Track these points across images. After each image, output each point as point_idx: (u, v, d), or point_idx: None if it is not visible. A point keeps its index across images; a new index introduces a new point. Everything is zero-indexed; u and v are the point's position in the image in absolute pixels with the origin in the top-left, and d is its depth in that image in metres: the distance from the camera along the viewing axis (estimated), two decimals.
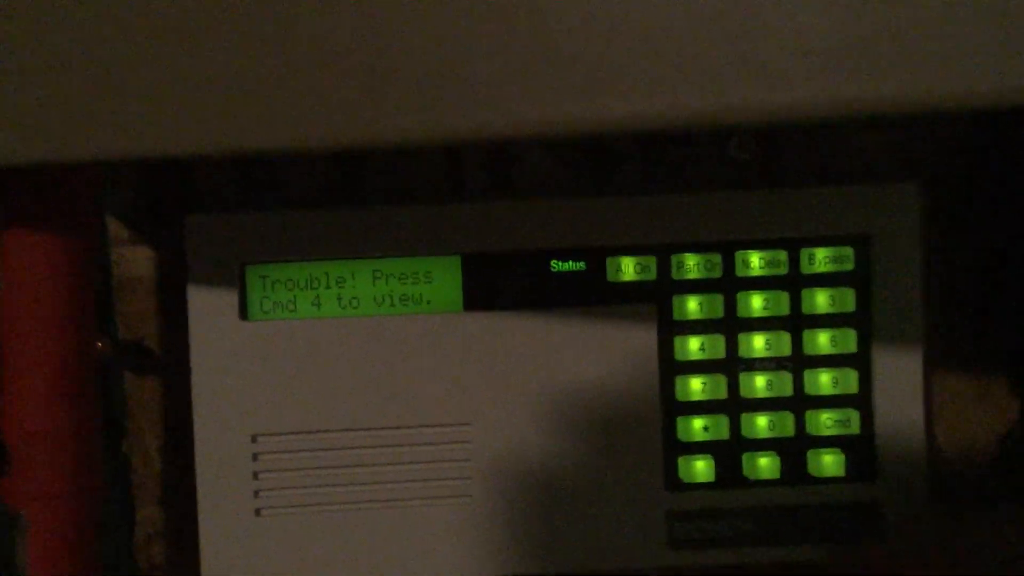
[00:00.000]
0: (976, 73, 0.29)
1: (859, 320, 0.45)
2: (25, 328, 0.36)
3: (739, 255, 0.45)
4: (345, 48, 0.30)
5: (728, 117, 0.30)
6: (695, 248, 0.45)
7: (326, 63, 0.30)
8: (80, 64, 0.30)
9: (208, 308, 0.44)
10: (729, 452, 0.46)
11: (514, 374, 0.45)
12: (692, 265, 0.45)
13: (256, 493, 0.45)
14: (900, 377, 0.45)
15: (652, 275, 0.45)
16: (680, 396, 0.45)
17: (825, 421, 0.45)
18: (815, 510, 0.45)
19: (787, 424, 0.45)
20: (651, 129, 0.30)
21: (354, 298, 0.45)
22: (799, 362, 0.46)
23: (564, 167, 0.47)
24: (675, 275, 0.45)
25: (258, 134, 0.30)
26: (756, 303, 0.45)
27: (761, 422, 0.45)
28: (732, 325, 0.45)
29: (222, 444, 0.44)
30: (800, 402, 0.46)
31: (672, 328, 0.45)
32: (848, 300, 0.45)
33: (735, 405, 0.46)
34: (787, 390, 0.45)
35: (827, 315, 0.45)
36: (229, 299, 0.44)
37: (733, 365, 0.45)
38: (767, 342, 0.45)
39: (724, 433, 0.45)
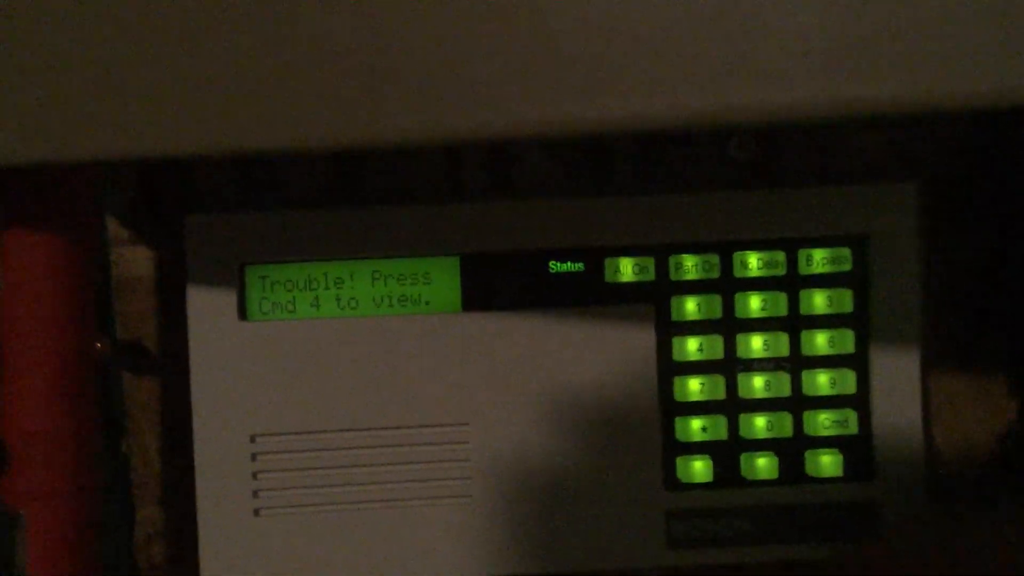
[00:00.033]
0: (976, 73, 0.29)
1: (857, 321, 0.45)
2: (25, 328, 0.36)
3: (737, 256, 0.45)
4: (345, 48, 0.30)
5: (728, 117, 0.30)
6: (693, 249, 0.45)
7: (326, 63, 0.30)
8: (80, 64, 0.30)
9: (207, 308, 0.44)
10: (727, 452, 0.46)
11: (513, 374, 0.45)
12: (690, 266, 0.45)
13: (255, 493, 0.45)
14: (898, 377, 0.45)
15: (650, 276, 0.45)
16: (678, 396, 0.45)
17: (823, 421, 0.45)
18: (813, 510, 0.45)
19: (785, 424, 0.45)
20: (651, 129, 0.30)
21: (353, 299, 0.45)
22: (797, 363, 0.46)
23: (563, 167, 0.47)
24: (673, 276, 0.45)
25: (258, 134, 0.30)
26: (754, 304, 0.45)
27: (759, 422, 0.45)
28: (730, 326, 0.45)
29: (221, 444, 0.44)
30: (798, 402, 0.46)
31: (670, 329, 0.45)
32: (846, 301, 0.45)
33: (733, 405, 0.46)
34: (785, 390, 0.45)
35: (825, 316, 0.45)
36: (228, 299, 0.44)
37: (731, 366, 0.46)
38: (765, 343, 0.45)
39: (722, 433, 0.46)
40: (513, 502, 0.45)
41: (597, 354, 0.45)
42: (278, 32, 0.30)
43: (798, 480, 0.46)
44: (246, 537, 0.45)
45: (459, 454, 0.45)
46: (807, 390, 0.46)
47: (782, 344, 0.45)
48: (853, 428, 0.46)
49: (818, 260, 0.45)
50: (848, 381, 0.45)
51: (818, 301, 0.45)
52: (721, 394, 0.45)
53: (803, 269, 0.45)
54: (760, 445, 0.46)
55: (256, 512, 0.45)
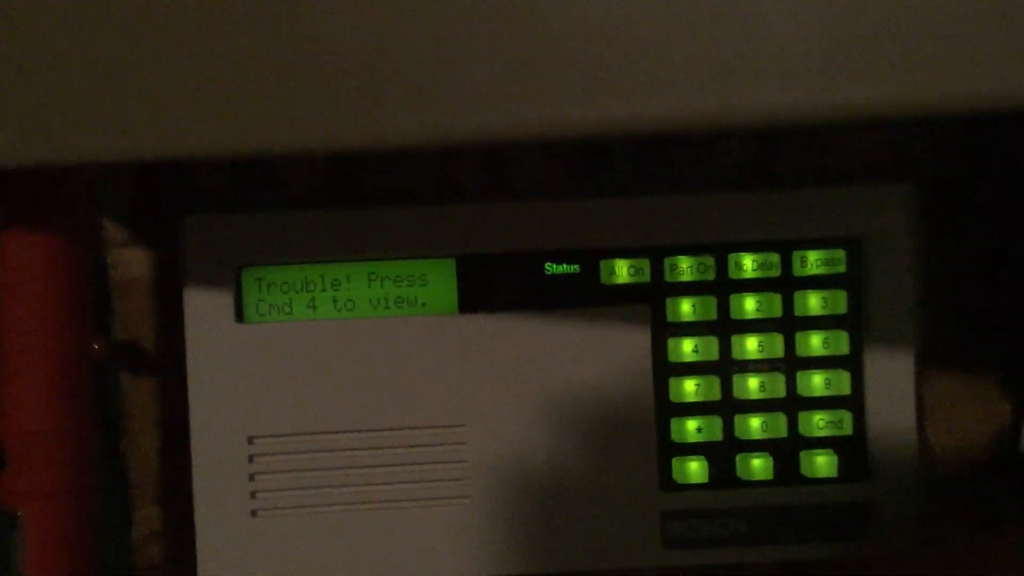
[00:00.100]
0: (976, 76, 0.29)
1: (851, 322, 0.46)
2: (23, 328, 0.36)
3: (732, 257, 0.45)
4: (343, 49, 0.30)
5: (728, 120, 0.30)
6: (688, 250, 0.45)
7: (325, 65, 0.30)
8: (79, 66, 0.30)
9: (204, 310, 0.44)
10: (723, 453, 0.46)
11: (509, 376, 0.45)
12: (685, 267, 0.45)
13: (252, 494, 0.45)
14: (892, 378, 0.45)
15: (646, 277, 0.45)
16: (674, 397, 0.45)
17: (818, 422, 0.46)
18: (808, 510, 0.46)
19: (780, 425, 0.46)
20: (649, 132, 0.30)
21: (349, 300, 0.45)
22: (792, 364, 0.46)
23: (558, 168, 0.48)
24: (668, 277, 0.45)
25: (256, 136, 0.30)
26: (749, 305, 0.45)
27: (754, 423, 0.46)
28: (725, 327, 0.46)
29: (218, 446, 0.44)
30: (793, 403, 0.46)
31: (666, 330, 0.45)
32: (840, 302, 0.45)
33: (728, 406, 0.46)
34: (780, 391, 0.46)
35: (819, 317, 0.46)
36: (225, 301, 0.44)
37: (726, 367, 0.46)
38: (760, 344, 0.45)
39: (718, 434, 0.46)
40: (510, 503, 0.45)
41: (593, 355, 0.45)
42: (277, 34, 0.30)
43: (793, 481, 0.46)
44: (243, 538, 0.45)
45: (456, 455, 0.45)
46: (802, 391, 0.46)
47: (777, 345, 0.45)
48: (848, 429, 0.46)
49: (813, 262, 0.45)
50: (843, 382, 0.45)
51: (813, 302, 0.45)
52: (716, 395, 0.46)
53: (798, 271, 0.45)
54: (755, 446, 0.46)
55: (253, 513, 0.45)
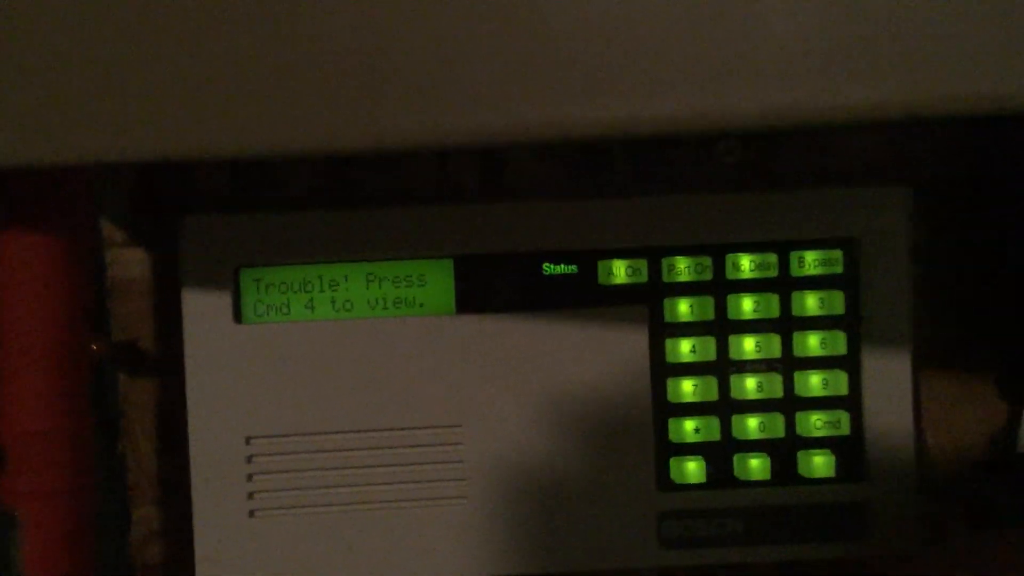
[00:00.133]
0: (975, 77, 0.29)
1: (848, 322, 0.46)
2: (22, 328, 0.36)
3: (729, 258, 0.45)
4: (342, 51, 0.30)
5: (728, 120, 0.30)
6: (686, 251, 0.45)
7: (324, 66, 0.30)
8: (78, 66, 0.30)
9: (202, 311, 0.44)
10: (720, 453, 0.46)
11: (507, 376, 0.45)
12: (683, 268, 0.45)
13: (250, 495, 0.45)
14: (889, 379, 0.46)
15: (643, 278, 0.45)
16: (671, 398, 0.46)
17: (815, 422, 0.46)
18: (805, 510, 0.46)
19: (777, 425, 0.46)
20: (649, 132, 0.30)
21: (347, 301, 0.45)
22: (789, 364, 0.46)
23: (556, 169, 0.48)
24: (666, 278, 0.45)
25: (256, 138, 0.31)
26: (746, 305, 0.45)
27: (752, 423, 0.46)
28: (723, 327, 0.46)
29: (216, 446, 0.44)
30: (790, 403, 0.46)
31: (663, 330, 0.46)
32: (837, 303, 0.45)
33: (726, 406, 0.46)
34: (777, 392, 0.46)
35: (817, 317, 0.46)
36: (223, 302, 0.44)
37: (724, 367, 0.46)
38: (757, 344, 0.46)
39: (715, 434, 0.46)
40: (507, 503, 0.45)
41: (590, 356, 0.45)
42: (276, 35, 0.30)
43: (790, 481, 0.46)
44: (241, 538, 0.45)
45: (453, 455, 0.45)
46: (799, 391, 0.46)
47: (774, 345, 0.46)
48: (845, 429, 0.46)
49: (810, 262, 0.45)
50: (840, 382, 0.46)
51: (810, 303, 0.45)
52: (714, 395, 0.46)
53: (795, 271, 0.45)
54: (753, 446, 0.46)
55: (251, 514, 0.45)
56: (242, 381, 0.44)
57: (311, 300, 0.45)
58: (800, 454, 0.46)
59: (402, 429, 0.45)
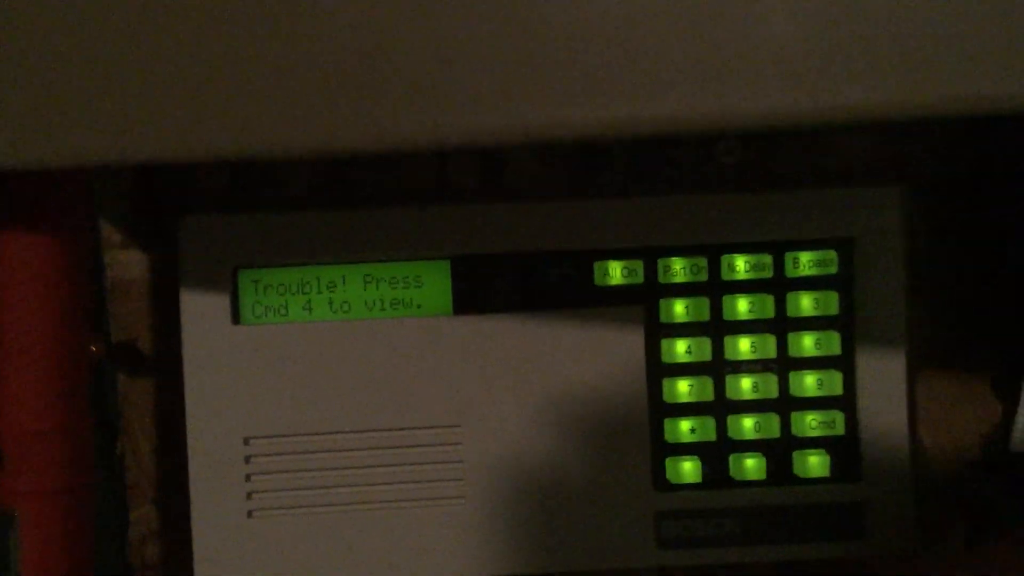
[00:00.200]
0: (975, 77, 0.29)
1: (843, 323, 0.46)
2: (20, 328, 0.36)
3: (725, 259, 0.46)
4: (342, 51, 0.30)
5: (727, 120, 0.30)
6: (681, 252, 0.45)
7: (323, 67, 0.30)
8: (79, 67, 0.30)
9: (200, 312, 0.45)
10: (716, 453, 0.46)
11: (504, 377, 0.45)
12: (678, 269, 0.45)
13: (248, 495, 0.45)
14: (884, 379, 0.46)
15: (639, 278, 0.45)
16: (667, 398, 0.46)
17: (810, 422, 0.46)
18: (800, 510, 0.46)
19: (773, 425, 0.46)
20: (649, 132, 0.30)
21: (345, 302, 0.45)
22: (784, 364, 0.46)
23: (556, 169, 0.48)
24: (662, 279, 0.46)
25: (255, 138, 0.31)
26: (742, 306, 0.46)
27: (747, 423, 0.46)
28: (718, 328, 0.46)
29: (215, 447, 0.45)
30: (785, 404, 0.46)
31: (659, 331, 0.46)
32: (832, 303, 0.46)
33: (721, 407, 0.46)
34: (772, 392, 0.46)
35: (811, 318, 0.46)
36: (221, 303, 0.45)
37: (719, 367, 0.46)
38: (752, 345, 0.46)
39: (711, 434, 0.46)
40: (505, 503, 0.45)
41: (587, 356, 0.45)
42: (275, 36, 0.30)
43: (786, 481, 0.46)
44: (240, 539, 0.45)
45: (451, 456, 0.45)
46: (794, 391, 0.46)
47: (769, 346, 0.46)
48: (840, 429, 0.46)
49: (805, 263, 0.46)
50: (835, 382, 0.46)
51: (805, 303, 0.46)
52: (709, 395, 0.46)
53: (790, 272, 0.46)
54: (748, 446, 0.46)
55: (249, 514, 0.45)
56: (240, 382, 0.45)
57: (309, 301, 0.45)
58: (795, 454, 0.46)
59: (400, 429, 0.45)
